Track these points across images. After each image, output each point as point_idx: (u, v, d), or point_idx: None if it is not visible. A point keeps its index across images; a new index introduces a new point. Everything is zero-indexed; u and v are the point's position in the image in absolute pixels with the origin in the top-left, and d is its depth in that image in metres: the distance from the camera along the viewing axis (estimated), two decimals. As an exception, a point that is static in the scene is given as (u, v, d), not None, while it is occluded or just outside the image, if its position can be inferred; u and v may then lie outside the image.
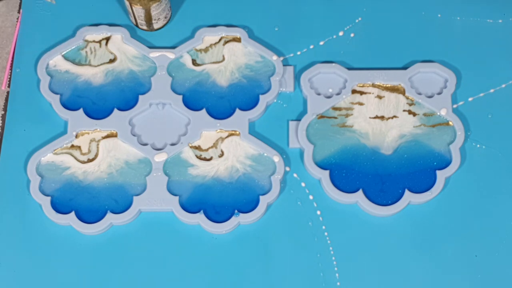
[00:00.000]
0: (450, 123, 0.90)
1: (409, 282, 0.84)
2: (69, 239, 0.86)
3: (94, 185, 0.88)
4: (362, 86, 0.92)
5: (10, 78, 0.94)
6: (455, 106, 0.91)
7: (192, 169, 0.88)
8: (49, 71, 0.93)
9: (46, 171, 0.88)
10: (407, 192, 0.86)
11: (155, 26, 0.93)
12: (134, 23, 0.94)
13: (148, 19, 0.91)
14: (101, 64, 0.93)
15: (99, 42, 0.94)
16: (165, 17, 0.92)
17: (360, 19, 0.96)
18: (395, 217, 0.86)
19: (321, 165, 0.88)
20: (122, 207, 0.86)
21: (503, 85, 0.92)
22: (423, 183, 0.87)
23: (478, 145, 0.89)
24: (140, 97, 0.91)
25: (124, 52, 0.94)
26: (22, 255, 0.85)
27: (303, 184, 0.88)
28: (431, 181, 0.87)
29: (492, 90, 0.92)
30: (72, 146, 0.89)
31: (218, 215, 0.86)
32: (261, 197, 0.86)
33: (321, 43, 0.95)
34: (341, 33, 0.95)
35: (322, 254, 0.85)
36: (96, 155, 0.89)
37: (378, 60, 0.93)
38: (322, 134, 0.89)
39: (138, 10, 0.89)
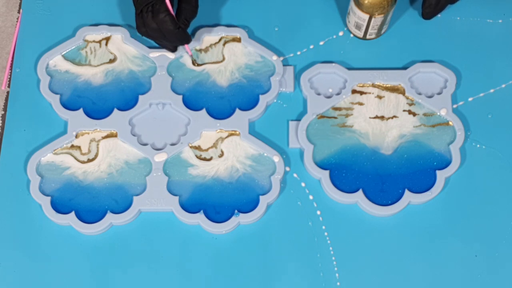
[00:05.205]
0: (450, 123, 0.90)
1: (409, 282, 0.84)
2: (69, 239, 0.86)
3: (94, 185, 0.88)
4: (362, 86, 0.92)
5: (10, 78, 0.94)
6: (455, 106, 0.91)
7: (192, 169, 0.88)
8: (49, 71, 0.93)
9: (46, 171, 0.88)
10: (407, 192, 0.86)
11: (382, 31, 0.93)
12: (362, 35, 0.93)
13: (381, 25, 0.91)
14: (101, 64, 0.93)
15: (99, 42, 0.94)
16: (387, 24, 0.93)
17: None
18: (395, 217, 0.86)
19: (321, 165, 0.88)
20: (122, 207, 0.86)
21: (503, 85, 0.92)
22: (423, 183, 0.87)
23: (478, 145, 0.89)
24: (140, 97, 0.91)
25: (124, 52, 0.94)
26: (22, 255, 0.85)
27: (303, 184, 0.88)
28: (431, 181, 0.87)
29: (492, 90, 0.92)
30: (72, 146, 0.90)
31: (218, 215, 0.86)
32: (261, 197, 0.86)
33: (321, 43, 0.95)
34: (341, 33, 0.95)
35: (322, 254, 0.85)
36: (96, 155, 0.89)
37: (378, 60, 0.93)
38: (322, 134, 0.89)
39: (377, 20, 0.88)
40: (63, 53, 0.94)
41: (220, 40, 0.94)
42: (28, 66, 0.94)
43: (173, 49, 0.92)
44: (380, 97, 0.91)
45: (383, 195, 0.87)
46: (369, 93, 0.91)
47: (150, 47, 0.94)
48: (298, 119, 0.90)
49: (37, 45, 0.95)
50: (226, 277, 0.84)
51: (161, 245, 0.85)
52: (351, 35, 0.95)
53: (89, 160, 0.89)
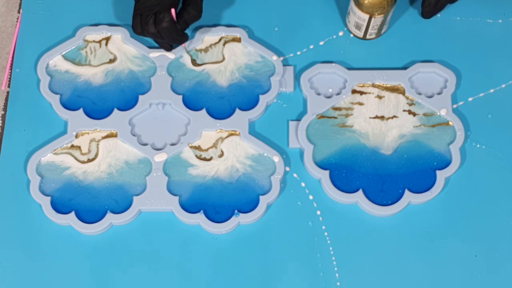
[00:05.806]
0: (450, 123, 0.90)
1: (409, 282, 0.84)
2: (69, 239, 0.86)
3: (94, 185, 0.88)
4: (362, 86, 0.92)
5: (10, 78, 0.94)
6: (455, 106, 0.91)
7: (192, 169, 0.88)
8: (49, 71, 0.93)
9: (46, 171, 0.88)
10: (407, 192, 0.86)
11: (382, 31, 0.93)
12: (362, 35, 0.93)
13: (381, 25, 0.91)
14: (101, 64, 0.93)
15: (99, 42, 0.94)
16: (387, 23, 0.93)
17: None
18: (395, 217, 0.86)
19: (321, 165, 0.88)
20: (122, 207, 0.86)
21: (503, 85, 0.92)
22: (423, 183, 0.87)
23: (478, 145, 0.89)
24: (140, 97, 0.91)
25: (124, 52, 0.94)
26: (22, 255, 0.85)
27: (303, 184, 0.88)
28: (431, 181, 0.87)
29: (492, 90, 0.92)
30: (72, 146, 0.90)
31: (218, 215, 0.86)
32: (261, 197, 0.86)
33: (321, 43, 0.95)
34: (341, 33, 0.95)
35: (322, 254, 0.85)
36: (96, 155, 0.89)
37: (378, 60, 0.93)
38: (322, 134, 0.89)
39: (377, 20, 0.88)
40: (63, 53, 0.94)
41: (220, 40, 0.94)
42: (28, 66, 0.94)
43: (169, 47, 0.91)
44: (380, 97, 0.91)
45: (383, 195, 0.87)
46: (369, 93, 0.91)
47: (150, 47, 0.94)
48: (298, 119, 0.90)
49: (37, 45, 0.95)
50: (226, 277, 0.84)
51: (161, 245, 0.85)
52: (351, 35, 0.95)
53: (89, 160, 0.89)
